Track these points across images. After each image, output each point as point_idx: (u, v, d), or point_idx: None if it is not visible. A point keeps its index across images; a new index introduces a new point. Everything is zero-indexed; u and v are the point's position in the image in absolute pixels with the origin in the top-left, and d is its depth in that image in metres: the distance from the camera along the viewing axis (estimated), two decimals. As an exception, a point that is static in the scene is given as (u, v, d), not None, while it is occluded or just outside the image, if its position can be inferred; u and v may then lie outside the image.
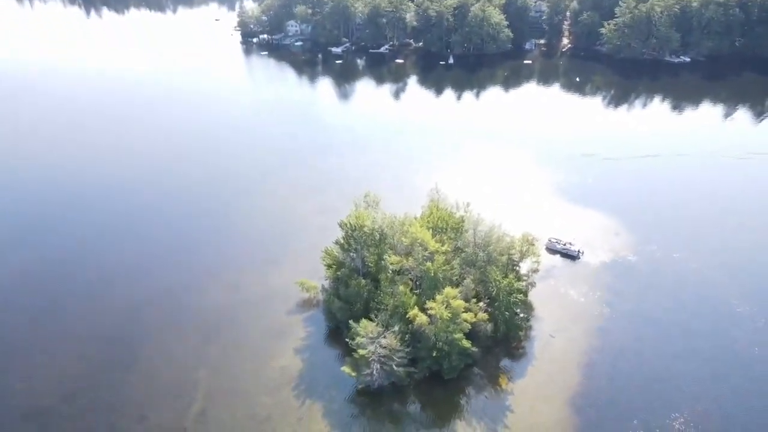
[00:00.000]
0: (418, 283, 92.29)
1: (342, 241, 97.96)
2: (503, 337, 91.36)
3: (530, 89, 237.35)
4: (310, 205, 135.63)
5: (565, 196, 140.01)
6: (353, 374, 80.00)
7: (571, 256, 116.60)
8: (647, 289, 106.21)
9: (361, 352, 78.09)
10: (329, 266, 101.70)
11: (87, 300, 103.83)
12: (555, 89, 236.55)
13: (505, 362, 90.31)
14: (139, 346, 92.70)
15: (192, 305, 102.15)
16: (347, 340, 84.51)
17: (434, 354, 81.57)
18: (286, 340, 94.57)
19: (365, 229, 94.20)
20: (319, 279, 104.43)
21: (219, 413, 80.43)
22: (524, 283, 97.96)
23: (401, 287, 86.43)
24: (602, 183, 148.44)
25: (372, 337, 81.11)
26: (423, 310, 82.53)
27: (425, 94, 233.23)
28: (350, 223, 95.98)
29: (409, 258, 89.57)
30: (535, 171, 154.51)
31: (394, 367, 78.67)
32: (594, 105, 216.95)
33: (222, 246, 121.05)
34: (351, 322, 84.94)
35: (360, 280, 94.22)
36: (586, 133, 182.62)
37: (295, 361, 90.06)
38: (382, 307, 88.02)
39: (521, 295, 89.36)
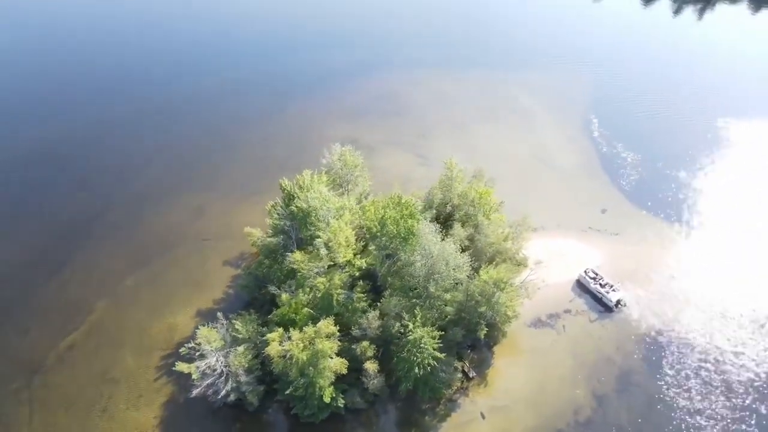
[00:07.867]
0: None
1: (279, 205, 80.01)
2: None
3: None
4: (339, 132, 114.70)
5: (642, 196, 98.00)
6: (194, 377, 67.17)
7: (604, 304, 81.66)
8: (686, 403, 70.22)
9: (181, 366, 64.22)
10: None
11: (49, 197, 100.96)
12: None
13: (398, 426, 68.97)
14: (75, 253, 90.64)
15: (145, 222, 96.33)
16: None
17: (288, 391, 64.29)
18: (197, 295, 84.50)
19: (297, 202, 74.50)
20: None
21: (82, 354, 76.25)
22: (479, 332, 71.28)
23: (285, 296, 67.93)
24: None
25: (222, 345, 66.58)
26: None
27: None
28: (287, 189, 77.22)
29: (311, 263, 68.93)
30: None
31: (225, 392, 64.04)
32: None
33: (214, 161, 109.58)
34: (219, 314, 70.60)
35: (280, 258, 77.41)
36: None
37: (188, 324, 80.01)
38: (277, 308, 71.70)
39: (437, 360, 63.71)
